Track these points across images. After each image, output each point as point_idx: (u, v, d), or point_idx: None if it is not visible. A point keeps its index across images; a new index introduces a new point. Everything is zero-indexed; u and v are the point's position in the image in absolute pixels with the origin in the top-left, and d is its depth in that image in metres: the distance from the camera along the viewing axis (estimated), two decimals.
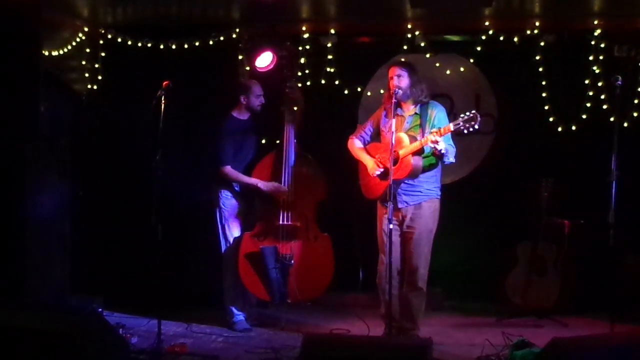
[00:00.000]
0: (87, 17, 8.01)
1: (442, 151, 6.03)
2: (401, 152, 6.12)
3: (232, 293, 7.03)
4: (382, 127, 6.52)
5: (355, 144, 6.66)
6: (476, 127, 5.93)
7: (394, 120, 6.06)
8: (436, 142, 5.94)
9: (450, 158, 6.23)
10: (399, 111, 6.36)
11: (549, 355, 4.86)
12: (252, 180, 6.93)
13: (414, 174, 6.19)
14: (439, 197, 6.46)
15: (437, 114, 6.35)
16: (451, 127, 5.98)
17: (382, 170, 6.31)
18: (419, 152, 6.15)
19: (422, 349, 4.90)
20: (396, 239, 6.31)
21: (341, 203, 7.30)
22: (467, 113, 5.95)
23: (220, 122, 6.99)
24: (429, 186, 6.36)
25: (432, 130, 6.05)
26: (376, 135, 6.62)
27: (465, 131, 5.99)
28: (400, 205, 6.29)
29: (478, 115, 5.90)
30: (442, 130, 5.99)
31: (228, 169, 6.89)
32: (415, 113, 6.37)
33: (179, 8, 7.69)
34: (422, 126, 6.27)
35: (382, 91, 7.80)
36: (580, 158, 7.73)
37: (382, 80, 7.75)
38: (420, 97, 6.36)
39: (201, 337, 6.76)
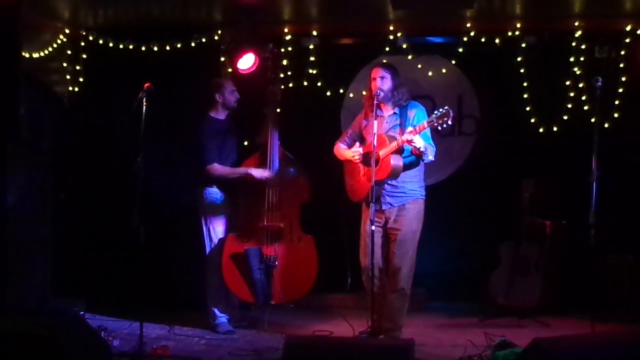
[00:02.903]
0: (68, 19, 7.97)
1: (421, 149, 6.04)
2: (381, 153, 6.12)
3: (215, 295, 7.01)
4: (364, 130, 6.55)
5: (340, 147, 6.67)
6: (449, 122, 5.90)
7: (375, 122, 6.06)
8: (411, 140, 5.96)
9: (430, 157, 6.22)
10: (378, 112, 6.36)
11: (531, 355, 4.87)
12: (243, 170, 6.91)
13: (394, 174, 6.18)
14: (423, 197, 6.45)
15: (417, 113, 6.37)
16: (425, 124, 5.99)
17: (361, 154, 6.34)
18: (399, 151, 6.15)
19: (405, 350, 4.91)
20: (379, 239, 6.31)
21: (325, 204, 7.30)
22: (440, 109, 5.93)
23: (199, 124, 6.99)
24: (413, 186, 6.36)
25: (408, 129, 6.06)
26: (359, 139, 6.62)
27: (439, 127, 5.97)
28: (384, 207, 6.28)
29: (451, 111, 5.88)
30: (417, 128, 6.00)
31: (216, 165, 6.87)
32: (395, 113, 6.39)
33: (160, 10, 7.66)
34: (401, 126, 6.28)
35: (364, 93, 7.80)
36: (562, 159, 7.78)
37: (364, 82, 7.71)
38: (400, 100, 6.38)
39: (183, 339, 6.74)
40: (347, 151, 6.54)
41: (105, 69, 8.14)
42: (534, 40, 7.81)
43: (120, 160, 7.03)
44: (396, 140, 6.10)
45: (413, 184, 6.37)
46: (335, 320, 7.25)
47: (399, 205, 6.34)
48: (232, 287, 6.94)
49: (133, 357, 6.00)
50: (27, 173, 6.92)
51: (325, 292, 7.61)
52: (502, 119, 7.99)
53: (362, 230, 6.51)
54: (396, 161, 6.16)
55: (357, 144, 6.42)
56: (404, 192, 6.34)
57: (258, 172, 6.88)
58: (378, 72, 6.36)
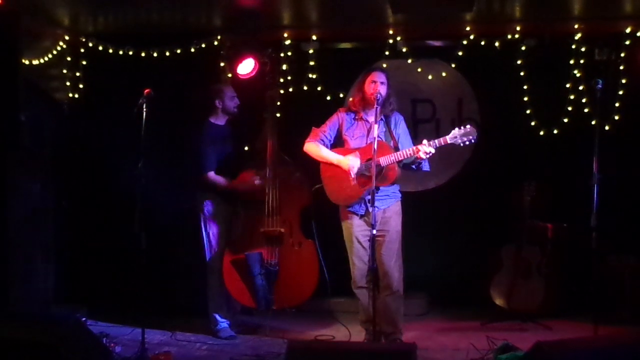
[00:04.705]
0: (67, 26, 7.97)
1: (423, 160, 6.15)
2: (382, 159, 6.13)
3: (217, 300, 7.01)
4: (346, 133, 6.49)
5: (322, 147, 6.51)
6: (472, 141, 6.04)
7: (376, 126, 6.02)
8: (430, 153, 6.03)
9: (427, 167, 6.34)
10: (364, 115, 6.37)
11: (533, 358, 4.87)
12: (227, 184, 6.92)
13: (395, 182, 6.26)
14: (401, 198, 6.49)
15: (401, 122, 6.47)
16: (448, 139, 6.06)
17: (359, 168, 6.28)
18: (400, 161, 6.19)
19: (407, 354, 4.91)
20: (367, 244, 6.31)
21: (325, 208, 7.27)
22: (464, 127, 6.06)
23: (200, 130, 6.99)
24: (395, 189, 6.42)
25: (425, 142, 6.07)
26: (336, 141, 6.56)
27: (462, 144, 6.08)
28: (371, 210, 6.24)
29: (475, 131, 6.02)
30: (436, 142, 6.05)
31: (211, 174, 6.88)
32: (381, 119, 6.37)
33: (160, 15, 7.67)
34: (391, 133, 6.35)
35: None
36: (563, 161, 7.78)
37: None
38: (389, 110, 6.40)
39: (185, 345, 6.74)
40: (340, 158, 6.38)
41: (105, 75, 8.14)
42: (534, 43, 7.80)
43: (121, 167, 7.01)
44: (411, 149, 6.13)
45: (395, 186, 6.43)
46: (336, 325, 7.25)
47: (384, 207, 6.35)
48: (233, 293, 6.94)
49: None
50: (29, 180, 6.91)
51: (326, 296, 7.58)
52: (503, 122, 7.98)
53: (351, 236, 6.45)
54: (399, 170, 6.25)
55: (357, 153, 6.34)
56: (388, 195, 6.38)
57: (241, 186, 6.90)
58: (381, 77, 6.33)
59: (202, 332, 7.04)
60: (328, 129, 6.55)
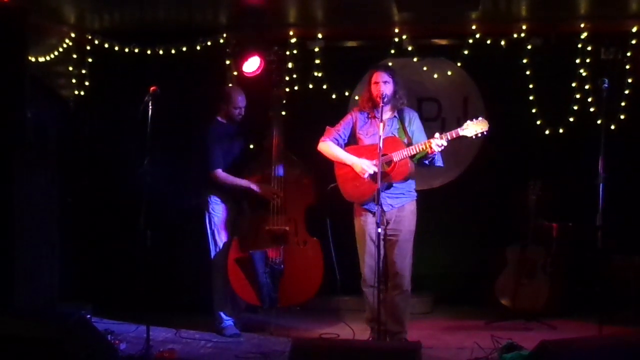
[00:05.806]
0: (74, 23, 7.99)
1: (436, 155, 6.11)
2: (395, 155, 6.12)
3: (221, 298, 7.01)
4: (360, 131, 6.47)
5: (334, 147, 6.47)
6: (485, 133, 6.02)
7: (382, 124, 6.03)
8: (443, 146, 5.99)
9: (441, 162, 6.28)
10: (376, 114, 6.35)
11: (538, 357, 4.86)
12: (244, 182, 6.90)
13: (408, 177, 6.23)
14: (416, 198, 6.45)
15: (415, 119, 6.41)
16: (460, 132, 6.03)
17: (374, 171, 6.24)
18: (413, 155, 6.17)
19: (411, 353, 4.90)
20: (379, 242, 6.29)
21: (330, 206, 7.27)
22: (478, 118, 6.03)
23: (207, 127, 6.99)
24: (410, 188, 6.37)
25: (438, 135, 6.04)
26: (350, 139, 6.54)
27: (474, 137, 6.06)
28: (385, 209, 6.22)
29: (487, 123, 6.00)
30: (449, 134, 6.02)
31: (219, 172, 6.87)
32: (395, 116, 6.37)
33: (166, 13, 7.68)
34: (404, 129, 6.31)
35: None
36: (568, 161, 7.78)
37: None
38: (400, 104, 6.37)
39: (190, 342, 6.74)
40: (353, 160, 6.33)
41: (111, 72, 8.16)
42: (540, 42, 7.80)
43: (127, 164, 7.03)
44: (423, 143, 6.10)
45: (411, 184, 6.39)
46: (341, 323, 7.24)
47: (399, 206, 6.33)
48: (238, 291, 6.94)
49: None
50: (34, 177, 6.92)
51: (331, 294, 7.58)
52: (508, 121, 7.93)
53: (364, 234, 6.42)
54: (412, 165, 6.22)
55: (374, 161, 6.22)
56: (403, 194, 6.34)
57: (259, 187, 6.88)
58: (383, 76, 6.30)
59: (206, 329, 7.04)
60: (342, 128, 6.54)
